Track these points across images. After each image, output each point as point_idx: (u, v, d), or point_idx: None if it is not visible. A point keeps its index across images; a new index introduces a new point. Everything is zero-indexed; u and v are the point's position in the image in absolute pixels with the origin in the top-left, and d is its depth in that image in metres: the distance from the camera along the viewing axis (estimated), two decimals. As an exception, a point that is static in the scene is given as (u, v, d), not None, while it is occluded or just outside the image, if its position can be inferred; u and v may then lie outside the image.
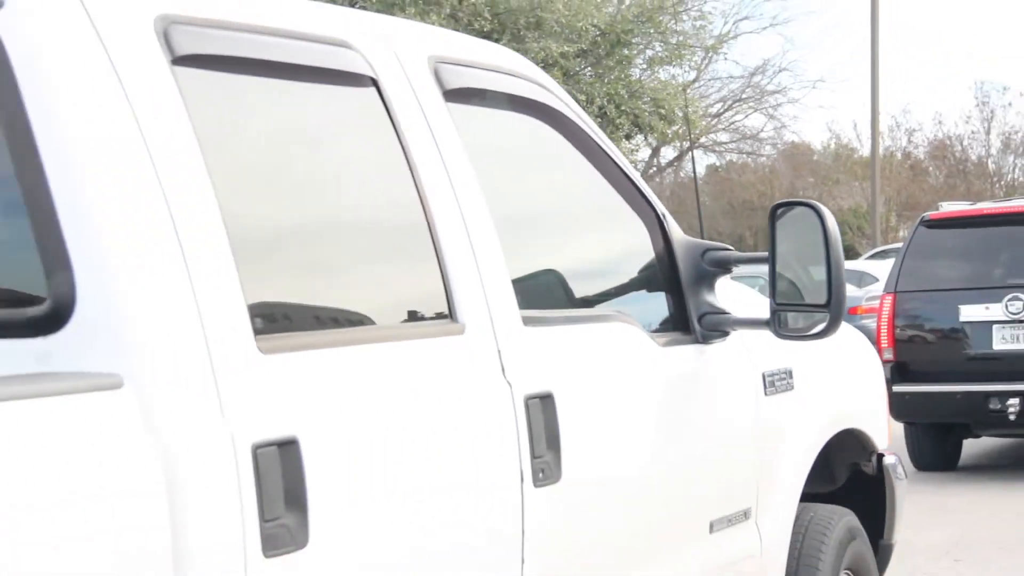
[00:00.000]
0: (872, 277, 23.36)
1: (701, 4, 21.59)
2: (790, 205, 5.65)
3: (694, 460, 5.24)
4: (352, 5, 19.28)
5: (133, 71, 3.42)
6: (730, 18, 24.22)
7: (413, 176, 4.16)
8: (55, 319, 3.14)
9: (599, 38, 19.41)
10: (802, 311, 5.37)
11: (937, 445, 13.74)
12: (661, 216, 5.34)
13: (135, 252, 3.27)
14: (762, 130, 49.07)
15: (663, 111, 23.55)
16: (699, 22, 21.92)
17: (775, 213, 5.49)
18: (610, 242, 5.56)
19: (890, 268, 14.57)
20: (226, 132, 3.77)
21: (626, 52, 21.47)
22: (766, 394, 5.61)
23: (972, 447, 15.02)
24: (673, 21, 20.98)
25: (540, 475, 4.26)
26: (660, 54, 21.05)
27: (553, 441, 4.26)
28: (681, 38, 21.24)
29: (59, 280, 3.18)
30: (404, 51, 4.43)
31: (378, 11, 19.14)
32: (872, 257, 30.21)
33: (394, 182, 4.18)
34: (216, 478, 3.25)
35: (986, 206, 15.86)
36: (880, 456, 6.49)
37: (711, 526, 5.23)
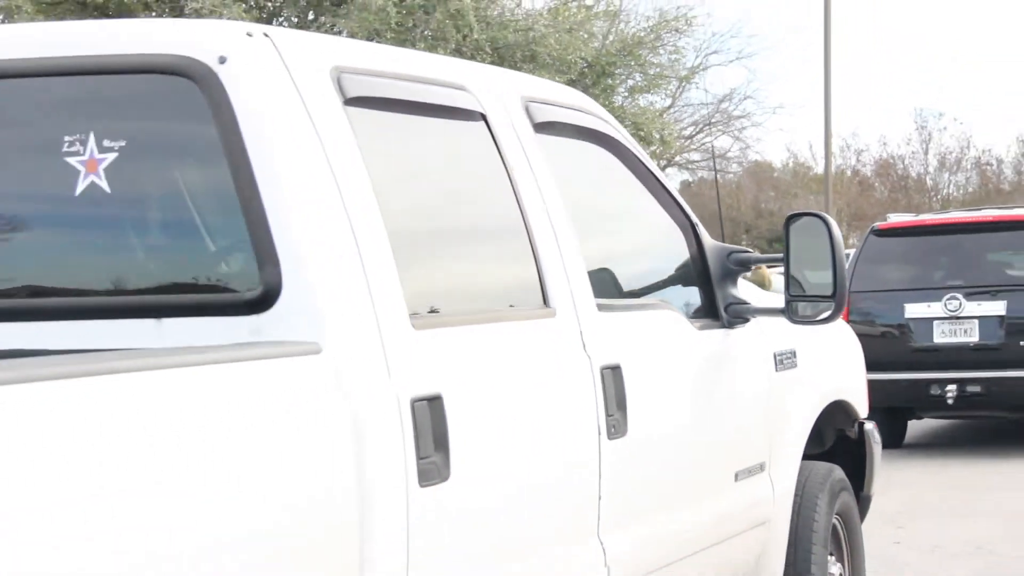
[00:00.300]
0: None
1: (675, 40, 21.44)
2: (800, 215, 6.00)
3: (723, 421, 5.51)
4: (369, 38, 19.37)
5: (317, 110, 3.77)
6: (701, 52, 24.39)
7: (514, 191, 4.50)
8: (265, 302, 3.51)
9: (586, 69, 19.33)
10: (810, 301, 5.69)
11: (885, 426, 13.58)
12: (695, 224, 5.65)
13: (325, 252, 3.64)
14: (729, 150, 49.10)
15: (642, 133, 23.29)
16: (673, 56, 21.77)
17: (789, 222, 5.79)
18: (655, 244, 5.82)
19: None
20: (383, 156, 4.07)
21: (610, 82, 20.99)
22: (776, 370, 5.91)
23: (916, 428, 15.07)
24: (651, 55, 20.83)
25: (612, 430, 4.54)
26: (640, 83, 20.70)
27: (621, 403, 4.58)
28: (658, 70, 21.14)
29: (269, 273, 3.52)
30: (504, 93, 4.81)
31: (393, 40, 18.46)
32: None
33: (500, 195, 4.51)
34: (386, 424, 3.59)
35: (927, 217, 15.91)
36: (861, 423, 6.79)
37: (736, 476, 5.52)
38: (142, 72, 3.84)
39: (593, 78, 19.36)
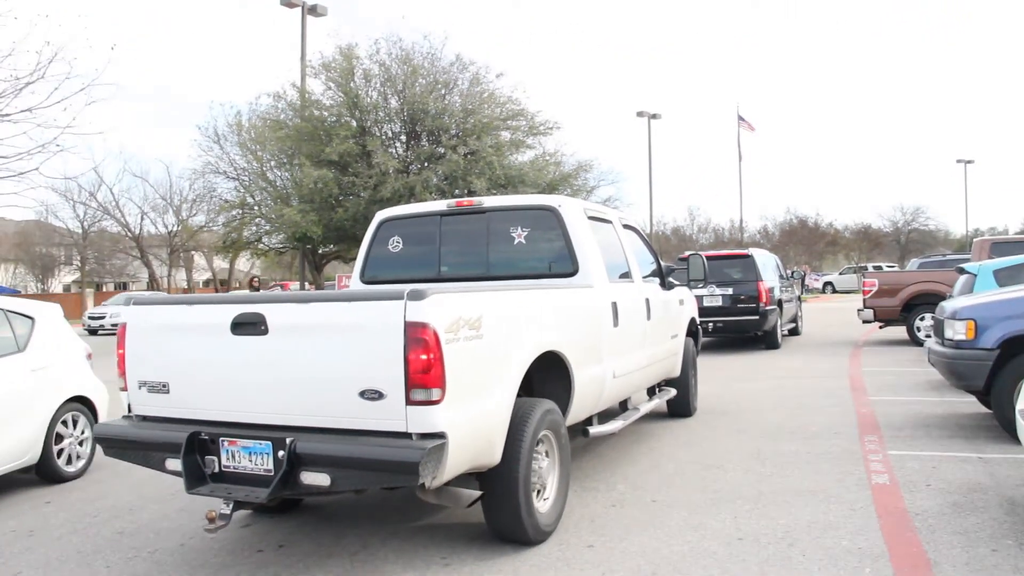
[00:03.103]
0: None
1: (585, 174, 20.93)
2: (690, 253, 6.83)
3: (668, 318, 6.21)
4: (447, 177, 18.24)
5: (581, 219, 4.84)
6: (597, 179, 23.73)
7: (622, 245, 5.46)
8: (572, 275, 4.68)
9: (546, 188, 18.65)
10: (695, 283, 6.73)
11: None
12: (658, 256, 6.40)
13: (588, 261, 4.70)
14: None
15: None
16: (583, 180, 21.03)
17: (686, 257, 6.62)
18: (649, 262, 6.17)
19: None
20: (596, 233, 4.99)
21: (556, 192, 21.49)
22: (679, 305, 6.67)
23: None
24: (574, 180, 20.31)
25: (649, 317, 5.36)
26: (569, 194, 19.42)
27: (649, 310, 5.53)
28: (577, 187, 20.41)
29: (573, 267, 4.69)
30: (616, 216, 5.65)
31: (465, 178, 17.99)
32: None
33: (617, 247, 5.39)
34: (607, 307, 4.60)
35: (703, 252, 16.90)
36: (699, 326, 7.34)
37: (672, 337, 6.36)
38: (538, 210, 4.90)
39: (549, 191, 18.53)
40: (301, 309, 3.15)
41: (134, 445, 3.41)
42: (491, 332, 3.27)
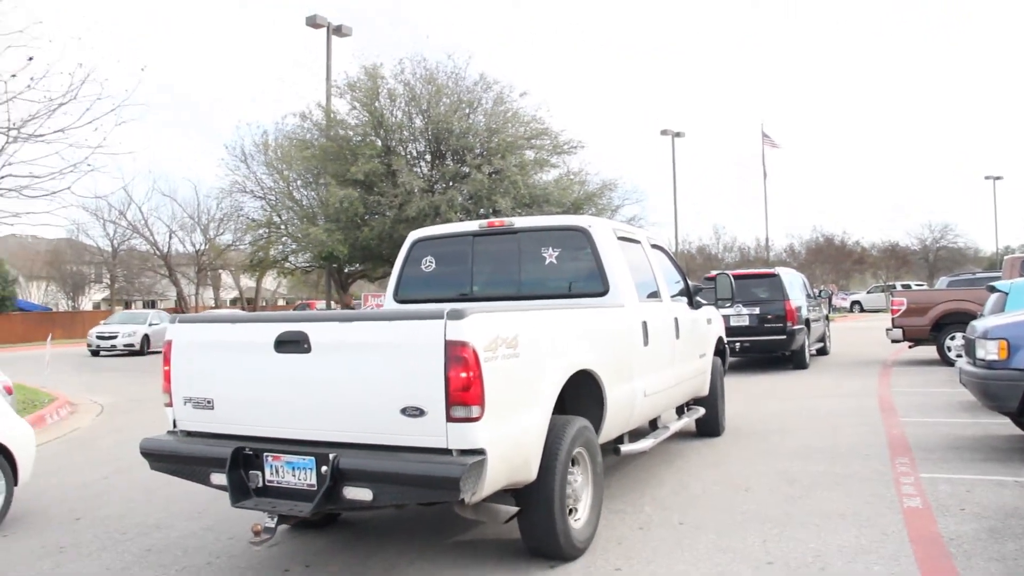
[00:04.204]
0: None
1: (610, 193, 20.70)
2: (717, 273, 6.97)
3: (696, 337, 6.23)
4: (471, 196, 18.38)
5: (611, 239, 4.87)
6: (620, 198, 23.74)
7: (650, 264, 5.50)
8: (603, 295, 4.71)
9: (570, 207, 18.56)
10: (722, 302, 6.73)
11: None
12: (685, 275, 6.41)
13: (619, 281, 4.72)
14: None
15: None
16: (608, 200, 20.71)
17: (712, 276, 6.74)
18: (676, 281, 6.19)
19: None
20: (625, 253, 5.01)
21: (580, 212, 20.12)
22: (707, 324, 6.72)
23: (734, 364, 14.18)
24: (599, 199, 20.12)
25: (677, 336, 5.47)
26: (593, 212, 19.13)
27: (679, 330, 5.56)
28: (602, 206, 20.17)
29: (604, 287, 4.71)
30: (645, 236, 5.76)
31: (490, 197, 18.07)
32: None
33: (646, 266, 5.42)
34: (638, 327, 4.67)
35: (730, 271, 16.70)
36: (726, 346, 7.35)
37: (701, 356, 6.38)
38: (569, 230, 4.95)
39: (573, 211, 18.67)
40: (343, 328, 3.25)
41: (180, 460, 3.49)
42: (527, 350, 3.32)
